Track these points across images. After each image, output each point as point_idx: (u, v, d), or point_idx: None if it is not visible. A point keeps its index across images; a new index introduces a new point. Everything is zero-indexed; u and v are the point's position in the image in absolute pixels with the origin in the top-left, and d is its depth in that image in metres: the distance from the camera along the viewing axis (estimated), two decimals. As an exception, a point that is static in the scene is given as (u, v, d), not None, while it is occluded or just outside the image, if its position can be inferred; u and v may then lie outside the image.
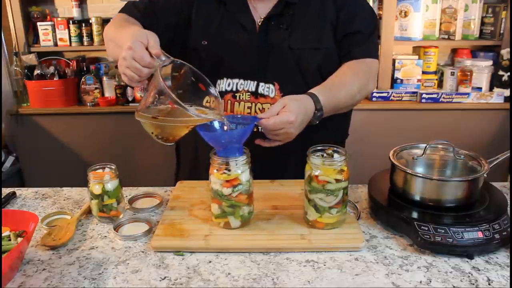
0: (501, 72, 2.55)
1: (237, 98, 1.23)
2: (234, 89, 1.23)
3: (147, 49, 0.96)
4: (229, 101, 1.23)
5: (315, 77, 1.20)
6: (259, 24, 1.23)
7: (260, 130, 1.03)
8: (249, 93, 1.22)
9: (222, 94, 1.23)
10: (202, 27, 1.25)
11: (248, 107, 1.22)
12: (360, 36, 1.23)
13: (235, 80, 1.23)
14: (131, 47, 0.95)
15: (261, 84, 1.22)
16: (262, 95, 1.22)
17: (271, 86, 1.21)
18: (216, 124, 1.01)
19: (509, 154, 1.06)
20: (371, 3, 2.49)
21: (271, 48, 1.21)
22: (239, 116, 1.06)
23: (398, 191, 1.05)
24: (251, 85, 1.22)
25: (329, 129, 1.22)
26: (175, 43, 1.25)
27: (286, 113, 0.99)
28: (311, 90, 1.10)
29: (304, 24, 1.22)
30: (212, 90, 1.04)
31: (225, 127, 1.00)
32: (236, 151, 0.96)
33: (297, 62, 1.21)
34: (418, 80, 2.64)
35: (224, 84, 1.23)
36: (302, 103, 1.05)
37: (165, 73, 0.99)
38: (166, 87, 0.91)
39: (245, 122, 1.02)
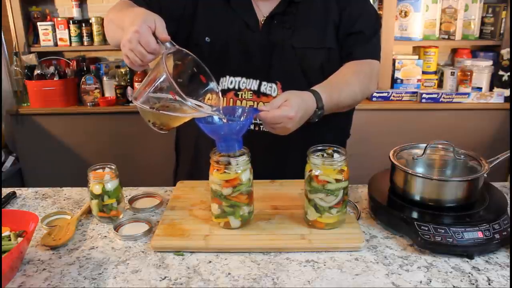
0: (501, 72, 2.55)
1: (239, 97, 1.22)
2: (237, 87, 1.22)
3: (154, 34, 0.93)
4: (231, 100, 1.23)
5: (318, 77, 1.19)
6: (262, 22, 1.22)
7: (260, 129, 1.03)
8: (251, 92, 1.22)
9: (224, 92, 1.23)
10: (206, 23, 1.24)
11: (250, 106, 1.22)
12: (362, 36, 1.23)
13: (238, 79, 1.22)
14: (138, 30, 0.91)
15: (263, 83, 1.21)
16: (264, 94, 1.22)
17: (273, 85, 1.21)
18: (216, 117, 1.01)
19: (509, 154, 1.06)
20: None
21: (274, 47, 1.21)
22: (239, 107, 1.05)
23: (398, 191, 1.05)
24: (253, 84, 1.22)
25: (331, 129, 1.21)
26: (178, 37, 1.20)
27: (286, 108, 0.99)
28: (313, 88, 1.10)
29: (307, 23, 1.22)
30: (213, 84, 1.02)
31: (224, 120, 0.99)
32: (235, 143, 0.96)
33: (299, 61, 1.21)
34: (418, 80, 2.64)
35: (227, 82, 1.23)
36: (304, 100, 1.04)
37: (169, 62, 0.97)
38: (170, 78, 0.88)
39: (244, 115, 1.01)
